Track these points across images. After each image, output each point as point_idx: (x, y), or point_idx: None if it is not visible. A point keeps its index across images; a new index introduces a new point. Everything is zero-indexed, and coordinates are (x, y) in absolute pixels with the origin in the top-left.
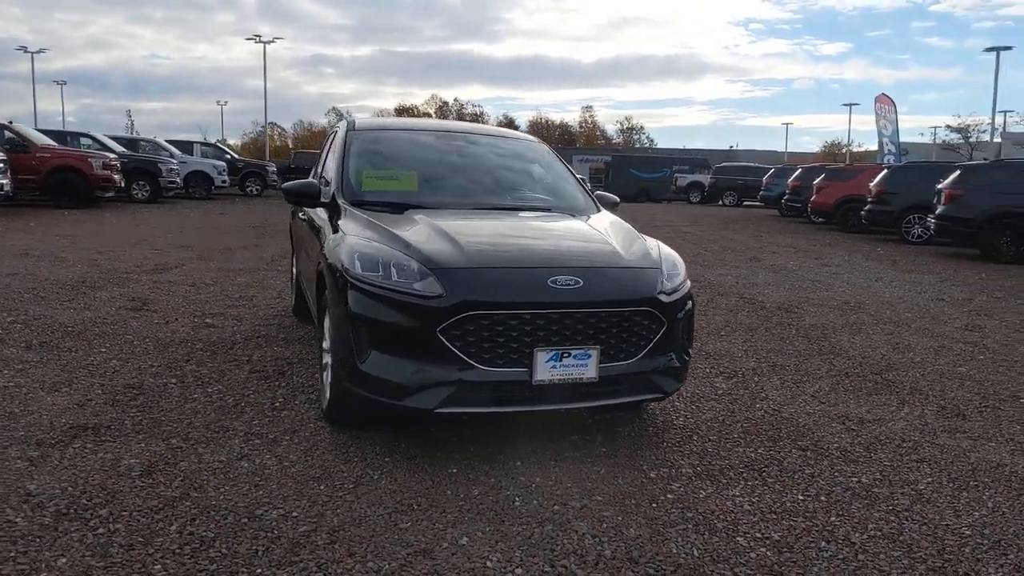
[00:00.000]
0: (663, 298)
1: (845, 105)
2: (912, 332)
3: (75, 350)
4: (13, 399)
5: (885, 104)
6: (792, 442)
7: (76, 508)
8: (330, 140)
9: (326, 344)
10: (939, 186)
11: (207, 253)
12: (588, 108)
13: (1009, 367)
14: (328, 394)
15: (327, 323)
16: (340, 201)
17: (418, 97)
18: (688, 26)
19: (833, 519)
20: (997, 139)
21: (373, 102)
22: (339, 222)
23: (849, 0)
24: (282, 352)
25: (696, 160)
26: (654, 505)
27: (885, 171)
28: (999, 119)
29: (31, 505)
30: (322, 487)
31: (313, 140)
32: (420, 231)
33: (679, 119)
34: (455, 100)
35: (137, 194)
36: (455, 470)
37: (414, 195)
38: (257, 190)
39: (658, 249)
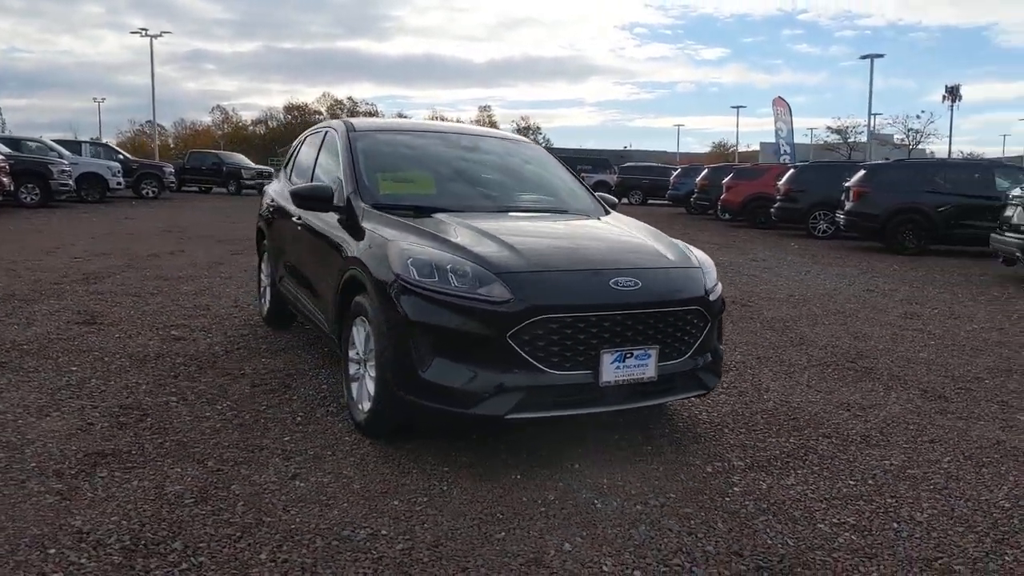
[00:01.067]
0: (709, 297)
1: (734, 107)
2: (862, 322)
3: (42, 369)
4: (3, 427)
5: (781, 107)
6: (814, 430)
7: (144, 543)
8: (319, 142)
9: (354, 353)
10: (846, 184)
11: (133, 261)
12: (486, 108)
13: (960, 351)
14: (367, 405)
15: (362, 333)
16: (360, 205)
17: (307, 95)
18: (576, 28)
19: (889, 500)
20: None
21: (259, 99)
22: (366, 226)
23: (726, 7)
24: (274, 363)
25: (599, 160)
26: (727, 499)
27: (792, 170)
28: (853, 120)
29: (90, 544)
30: (396, 502)
31: (198, 139)
32: (464, 234)
33: (570, 120)
34: (348, 98)
35: (26, 198)
36: (518, 476)
37: (434, 198)
38: (154, 192)
39: (690, 249)
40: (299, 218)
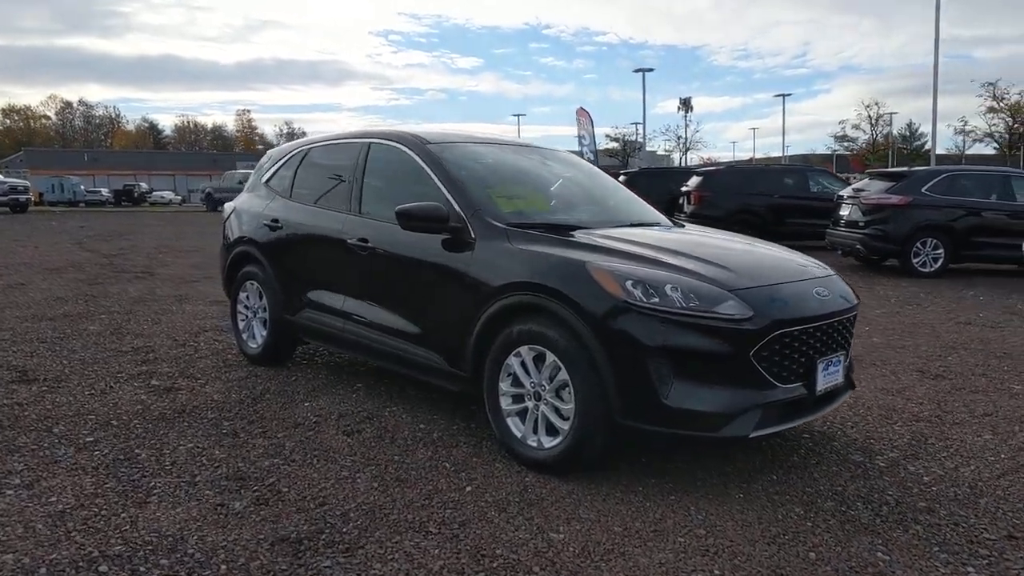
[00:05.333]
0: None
1: (514, 115)
2: None
3: (53, 446)
4: (137, 529)
5: (583, 117)
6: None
7: None
8: (357, 157)
9: (507, 386)
10: (684, 188)
11: (39, 310)
12: (244, 111)
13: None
14: (554, 441)
15: (525, 364)
16: (494, 224)
17: (26, 97)
18: (329, 33)
19: None
20: (649, 148)
21: None
22: (519, 247)
23: (477, 19)
24: (331, 406)
25: None
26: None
27: (622, 177)
28: (630, 129)
29: None
30: (668, 555)
31: None
32: (645, 250)
33: (326, 124)
34: (80, 101)
35: None
36: (658, 507)
37: (558, 214)
38: None
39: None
40: (364, 241)
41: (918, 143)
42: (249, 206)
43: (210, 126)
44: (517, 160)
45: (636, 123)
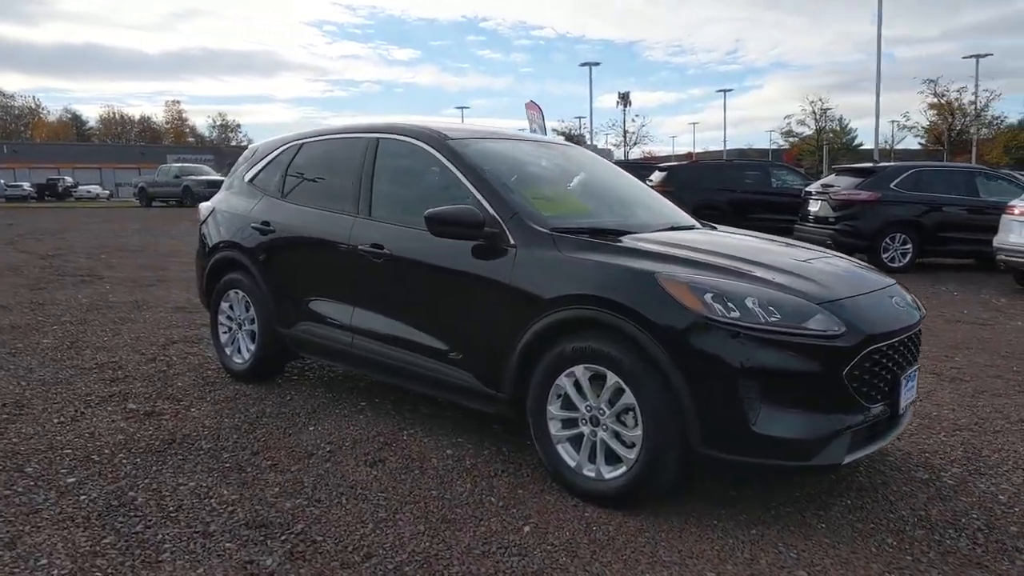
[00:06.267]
0: None
1: (457, 108)
2: None
3: (29, 490)
4: None
5: (533, 110)
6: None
7: None
8: (364, 155)
9: (556, 409)
10: (648, 184)
11: None
12: (175, 102)
13: None
14: (617, 472)
15: (578, 386)
16: (537, 229)
17: None
18: (261, 23)
19: None
20: (596, 142)
21: None
22: (571, 255)
23: (413, 11)
24: (342, 431)
25: None
26: None
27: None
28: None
29: None
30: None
31: None
32: (716, 258)
33: (259, 116)
34: None
35: None
36: (744, 544)
37: (600, 217)
38: None
39: None
40: (378, 247)
41: (848, 138)
42: (231, 207)
43: (137, 117)
44: (543, 158)
45: (580, 117)
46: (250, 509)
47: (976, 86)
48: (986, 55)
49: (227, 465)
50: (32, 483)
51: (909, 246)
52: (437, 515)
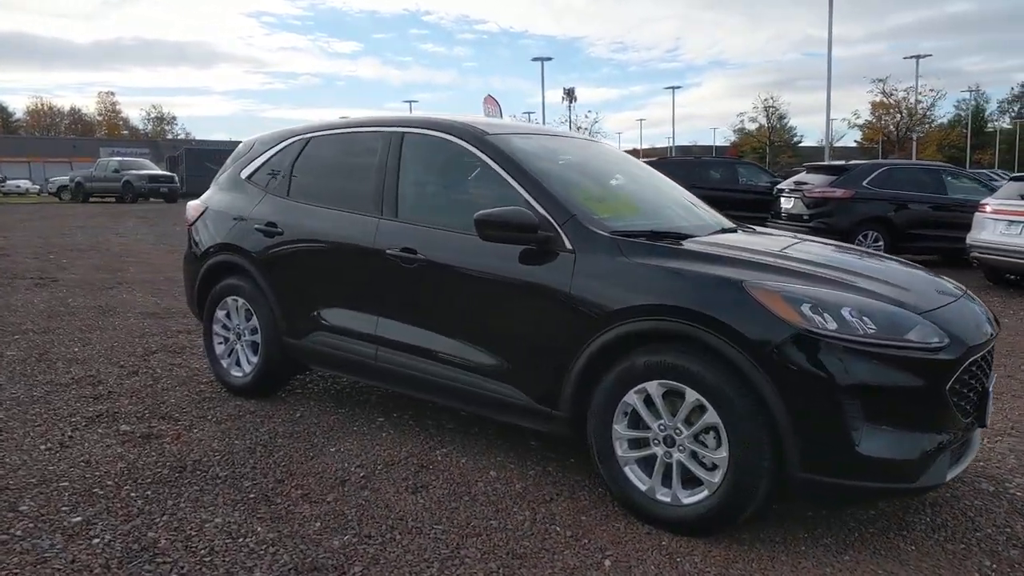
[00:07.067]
0: None
1: (405, 101)
2: None
3: (30, 534)
4: None
5: (491, 105)
6: None
7: None
8: (386, 150)
9: (622, 428)
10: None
11: None
12: (109, 93)
13: None
14: (699, 496)
15: (649, 403)
16: (599, 232)
17: None
18: (196, 13)
19: None
20: None
21: None
22: (639, 261)
23: (355, 3)
24: (371, 452)
25: None
26: None
27: None
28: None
29: None
30: None
31: None
32: (795, 264)
33: (196, 108)
34: None
35: None
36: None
37: (648, 219)
38: None
39: None
40: (411, 252)
41: (787, 135)
42: (228, 207)
43: (68, 109)
44: (581, 155)
45: (528, 112)
46: (295, 550)
47: (916, 86)
48: (926, 55)
49: (252, 496)
50: (31, 525)
51: (881, 243)
52: (504, 549)
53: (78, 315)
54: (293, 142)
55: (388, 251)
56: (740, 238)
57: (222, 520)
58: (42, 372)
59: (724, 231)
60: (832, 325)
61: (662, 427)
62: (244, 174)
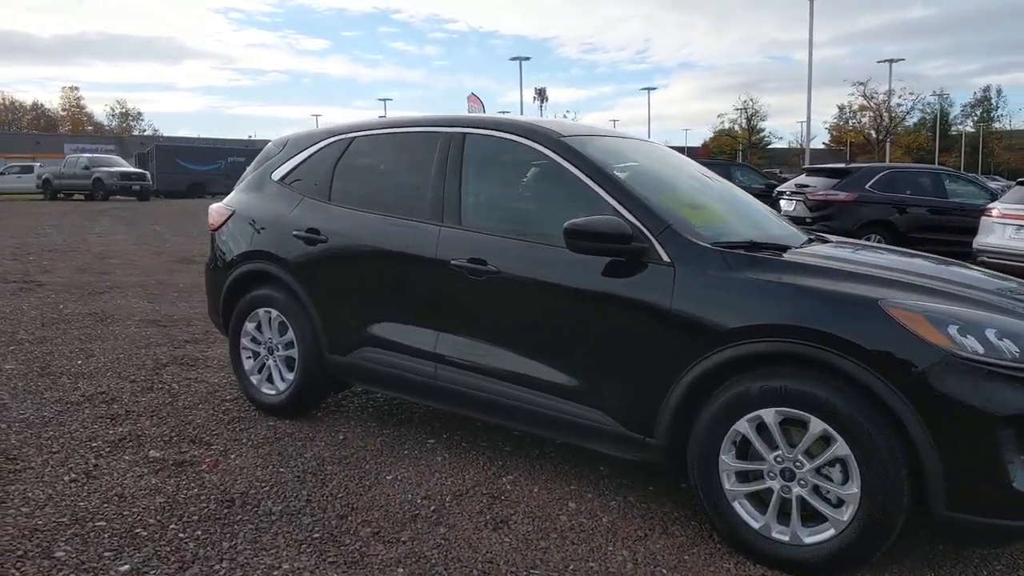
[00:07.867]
0: None
1: (380, 100)
2: None
3: None
4: None
5: (475, 103)
6: None
7: None
8: (442, 152)
9: (730, 460)
10: None
11: None
12: (73, 88)
13: None
14: (824, 535)
15: (761, 432)
16: (699, 244)
17: None
18: (163, 7)
19: None
20: None
21: None
22: (761, 277)
23: (324, 1)
24: (433, 480)
25: (255, 151)
26: None
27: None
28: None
29: None
30: None
31: None
32: (921, 279)
33: (162, 104)
34: None
35: None
36: None
37: (734, 227)
38: None
39: None
40: (480, 263)
41: (756, 137)
42: (260, 212)
43: (30, 103)
44: (653, 157)
45: (504, 111)
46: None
47: (890, 88)
48: (899, 60)
49: (316, 536)
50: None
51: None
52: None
53: (74, 323)
54: (333, 142)
55: (453, 262)
56: (838, 251)
57: (290, 567)
58: (47, 388)
59: (812, 241)
60: (980, 348)
61: (779, 459)
62: (276, 176)
